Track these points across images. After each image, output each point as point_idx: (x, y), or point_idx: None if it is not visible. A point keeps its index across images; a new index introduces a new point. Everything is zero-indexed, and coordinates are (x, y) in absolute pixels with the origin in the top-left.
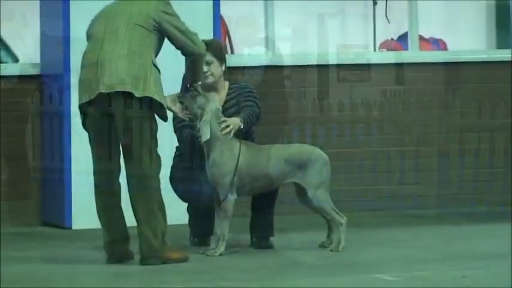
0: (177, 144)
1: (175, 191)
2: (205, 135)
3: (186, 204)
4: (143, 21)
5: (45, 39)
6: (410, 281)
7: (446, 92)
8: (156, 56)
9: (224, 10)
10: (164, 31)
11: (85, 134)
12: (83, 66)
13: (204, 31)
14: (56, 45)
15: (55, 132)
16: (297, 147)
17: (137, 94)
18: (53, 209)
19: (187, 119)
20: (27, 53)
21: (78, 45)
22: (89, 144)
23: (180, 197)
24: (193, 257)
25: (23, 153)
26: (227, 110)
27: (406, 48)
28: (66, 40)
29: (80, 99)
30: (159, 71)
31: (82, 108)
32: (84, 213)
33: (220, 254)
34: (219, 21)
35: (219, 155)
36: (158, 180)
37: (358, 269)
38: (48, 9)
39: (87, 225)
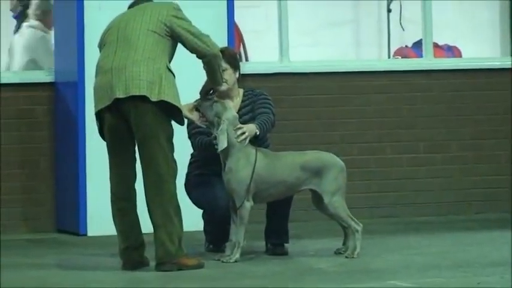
0: (191, 150)
1: (190, 197)
2: (222, 144)
3: (201, 211)
4: (155, 27)
5: (59, 46)
6: None
7: (460, 99)
8: (170, 61)
9: (238, 18)
10: (176, 35)
11: (100, 141)
12: (97, 73)
13: (218, 39)
14: (70, 53)
15: (70, 139)
16: (313, 154)
17: (152, 98)
18: (68, 216)
19: (204, 126)
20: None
21: (92, 53)
22: (103, 152)
23: (195, 204)
24: (208, 263)
25: (37, 160)
26: (241, 116)
27: (420, 56)
28: (80, 47)
29: (96, 106)
30: (173, 75)
31: (99, 115)
32: (98, 220)
33: (236, 261)
34: (233, 29)
35: (235, 162)
36: (174, 185)
37: (373, 275)
38: (62, 17)
39: (102, 232)
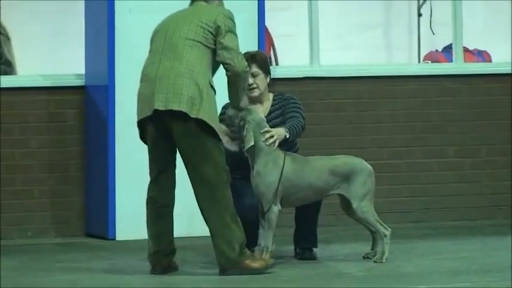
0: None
1: None
2: (248, 142)
3: None
4: (201, 37)
5: (89, 50)
6: None
7: (490, 104)
8: (213, 74)
9: (269, 21)
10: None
11: (129, 145)
12: (142, 79)
13: (249, 43)
14: (100, 56)
15: (99, 143)
16: (341, 159)
17: (192, 114)
18: (97, 220)
19: (233, 149)
20: (72, 63)
21: (123, 56)
22: (132, 156)
23: None
24: None
25: (67, 164)
26: (271, 120)
27: (451, 60)
28: (110, 51)
29: (138, 115)
30: (214, 91)
31: (141, 123)
32: (127, 224)
33: None
34: (263, 33)
35: (263, 165)
36: (228, 191)
37: (402, 280)
38: (93, 20)
39: (130, 237)
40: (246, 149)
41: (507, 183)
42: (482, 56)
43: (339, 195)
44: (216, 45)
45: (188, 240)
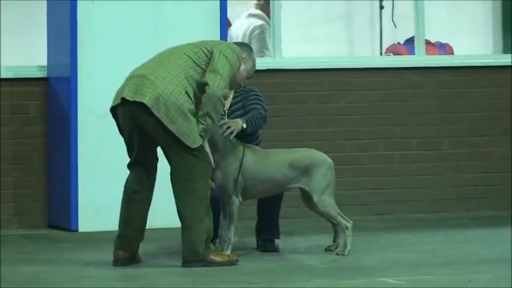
0: None
1: None
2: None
3: None
4: (194, 54)
5: (52, 41)
6: (415, 285)
7: (452, 97)
8: (198, 91)
9: (231, 13)
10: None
11: (92, 137)
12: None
13: (211, 35)
14: (63, 48)
15: (62, 134)
16: (301, 152)
17: (153, 110)
18: (60, 212)
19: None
20: (34, 55)
21: (85, 48)
22: (95, 148)
23: None
24: None
25: (30, 156)
26: (233, 112)
27: (413, 53)
28: (73, 43)
29: (112, 104)
30: (191, 100)
31: (113, 112)
32: (90, 216)
33: None
34: (225, 25)
35: (222, 157)
36: (205, 184)
37: (364, 272)
38: (56, 12)
39: (93, 228)
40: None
41: (469, 176)
42: (444, 48)
43: (300, 188)
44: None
45: (149, 233)
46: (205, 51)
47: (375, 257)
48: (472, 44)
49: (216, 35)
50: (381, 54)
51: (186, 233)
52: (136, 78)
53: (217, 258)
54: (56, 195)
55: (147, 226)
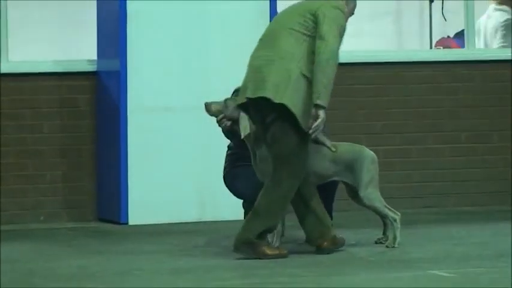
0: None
1: (230, 188)
2: (245, 129)
3: (241, 200)
4: (300, 25)
5: (102, 36)
6: (466, 278)
7: (501, 90)
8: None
9: (281, 8)
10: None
11: (141, 131)
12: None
13: (261, 29)
14: (112, 42)
15: (111, 128)
16: (344, 146)
17: (276, 100)
18: (109, 205)
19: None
20: (85, 49)
21: (135, 42)
22: (144, 141)
23: (234, 194)
24: None
25: (80, 149)
26: None
27: (462, 46)
28: (122, 37)
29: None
30: (309, 80)
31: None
32: (139, 209)
33: None
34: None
35: (263, 150)
36: (292, 186)
37: (413, 265)
38: (105, 6)
39: (142, 221)
40: (243, 137)
41: None
42: None
43: (344, 183)
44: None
45: (199, 225)
46: (311, 17)
47: (424, 250)
48: None
49: None
50: (431, 47)
51: (250, 218)
52: (254, 72)
53: (268, 251)
54: (105, 188)
55: (197, 219)
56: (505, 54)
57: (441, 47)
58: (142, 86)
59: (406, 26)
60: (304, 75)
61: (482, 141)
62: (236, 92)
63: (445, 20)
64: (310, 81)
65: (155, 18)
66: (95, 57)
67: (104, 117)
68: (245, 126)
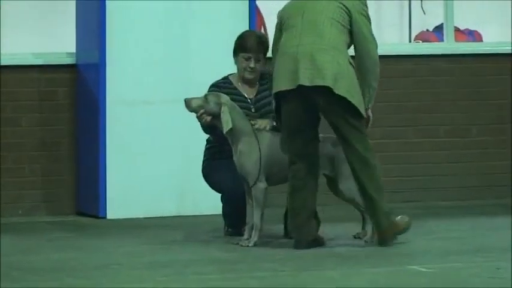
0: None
1: (208, 182)
2: (227, 124)
3: (219, 195)
4: (339, 17)
5: (81, 28)
6: (445, 273)
7: (481, 84)
8: None
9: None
10: (353, 30)
11: (121, 125)
12: (281, 54)
13: (240, 21)
14: (91, 35)
15: (90, 121)
16: (325, 139)
17: (336, 91)
18: (88, 199)
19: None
20: (64, 42)
21: (114, 35)
22: (124, 135)
23: (213, 188)
24: (227, 247)
25: (58, 142)
26: (260, 101)
27: (442, 40)
28: (102, 29)
29: (277, 86)
30: (353, 67)
31: (277, 94)
32: (118, 203)
33: (254, 244)
34: (254, 11)
35: (246, 145)
36: (377, 159)
37: (393, 260)
38: None
39: (121, 215)
40: (225, 132)
41: (497, 163)
42: (473, 35)
43: (325, 175)
44: (351, 27)
45: (178, 220)
46: (346, 10)
47: (403, 245)
48: (500, 32)
49: (245, 25)
50: (410, 41)
51: (374, 206)
52: (304, 59)
53: (400, 225)
54: (84, 182)
55: (175, 213)
56: (484, 48)
57: (420, 41)
58: (122, 79)
59: (386, 20)
60: (351, 63)
61: (462, 136)
62: (213, 87)
63: (424, 13)
64: (354, 70)
65: (135, 11)
66: (74, 50)
67: (84, 110)
68: (227, 120)
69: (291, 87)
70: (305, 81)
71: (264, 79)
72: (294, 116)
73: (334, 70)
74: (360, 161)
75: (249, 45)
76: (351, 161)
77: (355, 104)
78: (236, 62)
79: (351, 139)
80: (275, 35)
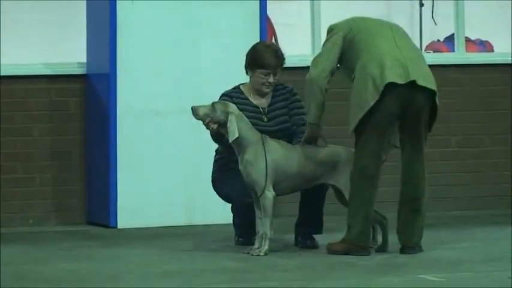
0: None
1: (218, 193)
2: (233, 134)
3: (229, 205)
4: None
5: (91, 38)
6: (455, 282)
7: (492, 94)
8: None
9: (270, 11)
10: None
11: (131, 134)
12: (374, 57)
13: (251, 32)
14: (102, 45)
15: (101, 131)
16: (328, 149)
17: (436, 98)
18: (98, 208)
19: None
20: (75, 52)
21: (124, 45)
22: (134, 144)
23: (223, 199)
24: (237, 256)
25: (69, 152)
26: (273, 111)
27: (453, 50)
28: (112, 40)
29: (387, 78)
30: None
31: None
32: (129, 213)
33: (265, 254)
34: (265, 22)
35: (252, 154)
36: None
37: (403, 269)
38: (95, 9)
39: (131, 225)
40: (231, 140)
41: (509, 173)
42: (484, 46)
43: (331, 186)
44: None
45: (188, 229)
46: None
47: (414, 254)
48: (511, 41)
49: (255, 36)
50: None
51: (420, 220)
52: (413, 62)
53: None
54: (94, 191)
55: (185, 223)
56: (495, 59)
57: (431, 51)
58: (132, 89)
59: None
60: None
61: (473, 146)
62: (224, 96)
63: (435, 23)
64: None
65: (145, 21)
66: (85, 60)
67: (94, 120)
68: (233, 130)
69: (402, 82)
70: (420, 81)
71: (277, 90)
72: (389, 113)
73: (430, 75)
74: (424, 171)
75: (267, 62)
76: (417, 169)
77: (434, 119)
78: (251, 75)
79: (423, 148)
80: (333, 43)
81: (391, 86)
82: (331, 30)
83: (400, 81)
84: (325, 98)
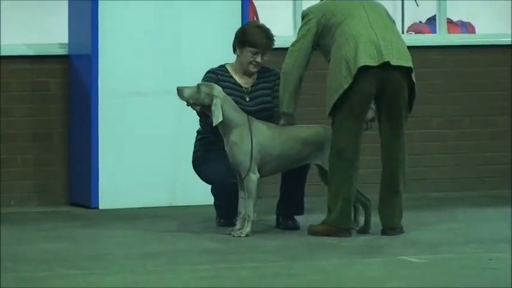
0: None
1: (199, 173)
2: (217, 118)
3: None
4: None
5: (73, 19)
6: (435, 263)
7: (473, 75)
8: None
9: None
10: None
11: (112, 115)
12: (348, 39)
13: (233, 12)
14: (84, 25)
15: (83, 112)
16: (313, 129)
17: (412, 74)
18: (80, 189)
19: (197, 110)
20: (56, 33)
21: (106, 26)
22: (116, 125)
23: (204, 180)
24: (219, 237)
25: (51, 133)
26: (255, 91)
27: (434, 31)
28: (94, 20)
29: (359, 61)
30: None
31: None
32: (110, 193)
33: (247, 235)
34: (247, 3)
35: (237, 135)
36: None
37: (384, 250)
38: None
39: (113, 205)
40: (215, 124)
41: (489, 155)
42: (466, 27)
43: (317, 165)
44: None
45: (170, 210)
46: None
47: (395, 236)
48: (493, 23)
49: (237, 17)
50: (403, 33)
51: (399, 200)
52: (384, 41)
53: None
54: (76, 172)
55: (167, 204)
56: (477, 40)
57: (413, 33)
58: (114, 70)
59: None
60: None
61: (454, 127)
62: (209, 73)
63: (417, 5)
64: None
65: (127, 2)
66: (67, 41)
67: (76, 101)
68: (217, 115)
69: (375, 64)
70: (394, 61)
71: (263, 72)
72: (366, 95)
73: (407, 53)
74: (404, 152)
75: (258, 40)
76: (397, 149)
77: (413, 96)
78: (239, 53)
79: (402, 129)
80: (307, 30)
81: (364, 69)
82: (305, 16)
83: (373, 63)
84: (300, 87)
